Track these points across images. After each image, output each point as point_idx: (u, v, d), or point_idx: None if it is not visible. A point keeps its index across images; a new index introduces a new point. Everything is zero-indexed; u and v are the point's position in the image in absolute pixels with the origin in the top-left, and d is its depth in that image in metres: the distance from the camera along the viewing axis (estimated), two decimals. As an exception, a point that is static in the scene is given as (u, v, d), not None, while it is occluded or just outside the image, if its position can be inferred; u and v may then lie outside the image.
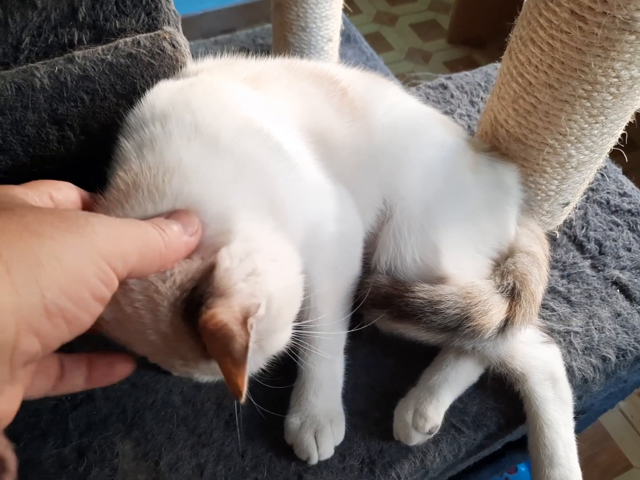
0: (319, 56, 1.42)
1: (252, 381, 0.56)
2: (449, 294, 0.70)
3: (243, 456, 0.73)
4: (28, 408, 0.75)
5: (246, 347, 0.44)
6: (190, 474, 0.72)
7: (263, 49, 1.62)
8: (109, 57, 0.70)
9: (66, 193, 0.51)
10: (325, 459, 0.72)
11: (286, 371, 0.71)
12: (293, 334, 0.60)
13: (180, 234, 0.49)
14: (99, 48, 0.71)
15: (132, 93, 0.73)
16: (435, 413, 0.72)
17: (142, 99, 0.63)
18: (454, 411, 0.77)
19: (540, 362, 0.76)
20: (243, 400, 0.44)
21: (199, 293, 0.48)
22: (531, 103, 0.78)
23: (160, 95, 0.62)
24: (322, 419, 0.72)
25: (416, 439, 0.73)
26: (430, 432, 0.72)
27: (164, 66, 0.73)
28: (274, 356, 0.58)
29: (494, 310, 0.70)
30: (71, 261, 0.38)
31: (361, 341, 0.78)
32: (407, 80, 1.05)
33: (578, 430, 1.14)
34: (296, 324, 0.59)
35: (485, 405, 0.78)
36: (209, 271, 0.49)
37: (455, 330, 0.69)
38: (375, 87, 0.81)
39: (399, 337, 0.76)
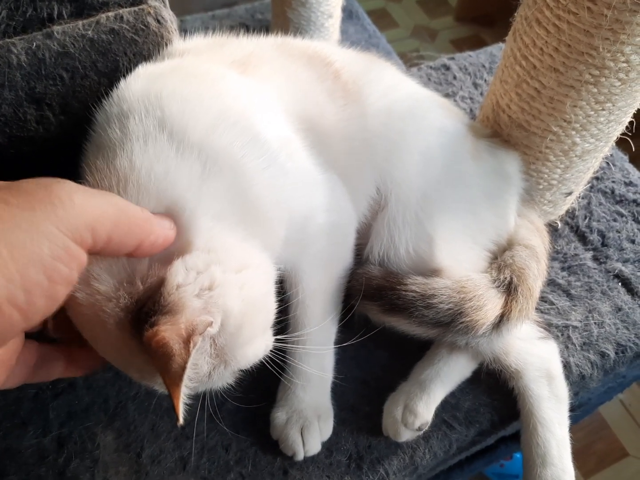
0: (319, 33, 1.37)
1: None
2: (442, 287, 0.67)
3: (227, 450, 0.72)
4: (8, 396, 0.73)
5: (183, 367, 0.42)
6: (173, 467, 0.70)
7: (262, 25, 1.57)
8: (90, 32, 0.66)
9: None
10: (312, 455, 0.70)
11: (273, 362, 0.69)
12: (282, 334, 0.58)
13: (160, 218, 0.46)
14: (80, 23, 0.67)
15: (115, 71, 0.69)
16: (425, 409, 0.70)
17: (115, 90, 0.59)
18: (445, 407, 0.75)
19: (536, 359, 0.73)
20: (180, 422, 0.43)
21: (146, 309, 0.46)
22: (535, 88, 0.74)
23: (133, 86, 0.58)
24: (309, 415, 0.70)
25: (405, 435, 0.71)
26: (420, 429, 0.70)
27: (148, 43, 0.69)
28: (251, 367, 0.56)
29: (489, 305, 0.67)
30: (21, 244, 0.35)
31: (351, 333, 0.75)
32: (409, 60, 1.01)
33: (575, 421, 1.12)
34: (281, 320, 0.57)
35: (478, 401, 0.76)
36: (159, 286, 0.46)
37: (448, 325, 0.67)
38: (370, 69, 0.77)
39: (391, 329, 0.73)
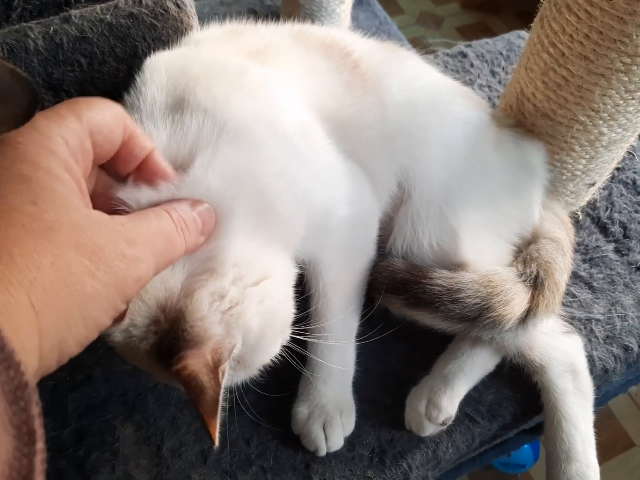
0: (330, 19, 1.35)
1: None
2: (469, 282, 0.66)
3: (248, 443, 0.71)
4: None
5: (217, 399, 0.43)
6: (194, 460, 0.70)
7: (271, 11, 1.54)
8: (108, 16, 0.65)
9: (109, 124, 0.42)
10: (334, 451, 0.69)
11: (294, 355, 0.68)
12: (301, 325, 0.58)
13: (196, 233, 0.46)
14: (98, 7, 0.65)
15: (133, 57, 0.67)
16: (449, 403, 0.69)
17: (135, 85, 0.57)
18: (468, 400, 0.74)
19: (561, 354, 0.72)
20: (217, 446, 0.44)
21: (170, 343, 0.46)
22: (563, 76, 0.72)
23: (156, 80, 0.56)
24: (331, 409, 0.69)
25: (429, 429, 0.70)
26: (444, 423, 0.69)
27: (168, 28, 0.68)
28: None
29: (516, 300, 0.66)
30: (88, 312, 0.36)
31: (371, 326, 0.74)
32: (424, 47, 0.98)
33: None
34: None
35: (501, 395, 0.75)
36: (181, 317, 0.47)
37: (475, 320, 0.66)
38: (391, 60, 0.74)
39: (411, 322, 0.72)
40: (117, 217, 0.39)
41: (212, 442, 0.44)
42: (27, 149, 0.37)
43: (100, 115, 0.41)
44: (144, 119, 0.52)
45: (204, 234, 0.47)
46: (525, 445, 1.50)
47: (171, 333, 0.47)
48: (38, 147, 0.37)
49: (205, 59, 0.60)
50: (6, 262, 0.32)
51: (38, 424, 0.27)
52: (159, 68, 0.56)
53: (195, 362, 0.44)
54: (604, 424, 1.72)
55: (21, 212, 0.34)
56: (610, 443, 1.70)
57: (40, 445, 0.26)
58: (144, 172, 0.47)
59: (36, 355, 0.33)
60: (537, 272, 0.69)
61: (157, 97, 0.54)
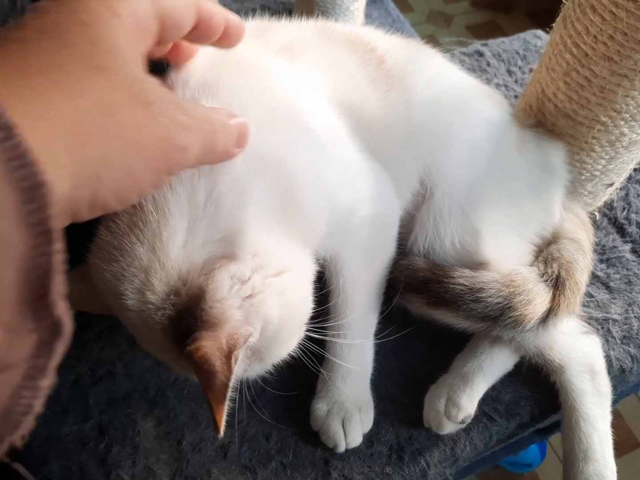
0: (344, 16, 1.35)
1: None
2: (491, 281, 0.66)
3: (268, 439, 0.71)
4: (47, 383, 0.72)
5: (226, 385, 0.43)
6: (214, 455, 0.70)
7: (285, 7, 1.54)
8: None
9: (180, 9, 0.40)
10: (353, 447, 0.70)
11: (311, 354, 0.68)
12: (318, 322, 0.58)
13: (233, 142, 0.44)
14: None
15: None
16: (469, 402, 0.70)
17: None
18: (486, 399, 0.74)
19: (580, 354, 0.73)
20: (221, 435, 0.43)
21: (188, 321, 0.45)
22: (585, 77, 0.72)
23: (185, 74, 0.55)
24: (350, 407, 0.69)
25: (448, 427, 0.70)
26: (463, 422, 0.70)
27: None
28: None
29: (538, 300, 0.67)
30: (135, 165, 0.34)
31: (390, 323, 0.75)
32: (437, 45, 0.98)
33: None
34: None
35: (518, 394, 0.76)
36: (201, 296, 0.46)
37: (496, 319, 0.66)
38: (416, 57, 0.75)
39: (430, 321, 0.72)
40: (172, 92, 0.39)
41: (217, 430, 0.43)
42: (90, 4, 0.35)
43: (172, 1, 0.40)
44: None
45: (239, 146, 0.45)
46: (533, 445, 1.50)
47: (189, 311, 0.46)
48: (106, 7, 0.36)
49: (240, 57, 0.60)
50: (54, 79, 0.31)
51: (56, 226, 0.25)
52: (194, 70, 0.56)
53: (210, 345, 0.43)
54: (611, 424, 1.72)
55: (80, 48, 0.33)
56: (617, 443, 1.69)
57: (58, 245, 0.25)
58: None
59: (67, 180, 0.30)
60: (559, 272, 0.70)
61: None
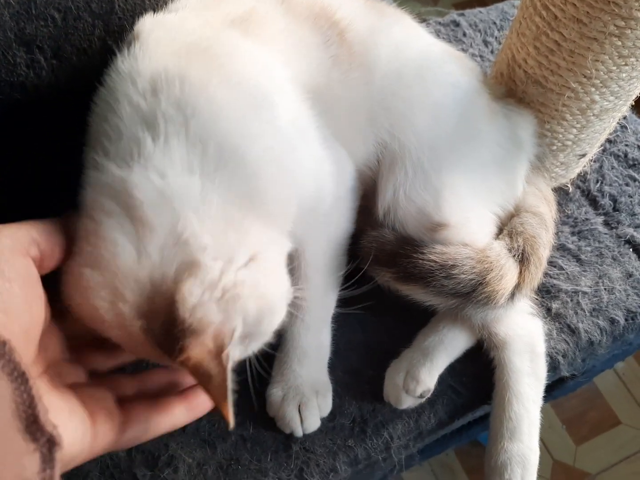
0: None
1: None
2: (465, 257, 0.65)
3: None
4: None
5: (225, 384, 0.43)
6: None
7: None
8: (83, -31, 0.62)
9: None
10: (311, 432, 0.68)
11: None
12: None
13: None
14: (72, -41, 0.63)
15: (110, 13, 0.65)
16: (428, 376, 0.69)
17: (115, 65, 0.54)
18: (452, 372, 0.73)
19: (525, 332, 0.72)
20: (232, 426, 0.44)
21: (171, 327, 0.45)
22: (555, 40, 0.70)
23: (141, 64, 0.53)
24: (306, 390, 0.68)
25: (407, 402, 0.69)
26: (422, 396, 0.69)
27: (146, -17, 0.65)
28: None
29: (509, 275, 0.66)
30: None
31: (358, 297, 0.73)
32: (416, 16, 0.95)
33: (573, 389, 1.11)
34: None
35: (485, 368, 0.74)
36: (176, 303, 0.45)
37: (468, 295, 0.65)
38: (379, 26, 0.71)
39: (398, 295, 0.71)
40: None
41: (227, 424, 0.44)
42: None
43: None
44: None
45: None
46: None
47: (171, 321, 0.45)
48: None
49: (191, 36, 0.57)
50: None
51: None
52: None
53: (199, 352, 0.44)
54: (592, 402, 1.73)
55: None
56: (598, 421, 1.71)
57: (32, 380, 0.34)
58: None
59: None
60: (524, 247, 0.69)
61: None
